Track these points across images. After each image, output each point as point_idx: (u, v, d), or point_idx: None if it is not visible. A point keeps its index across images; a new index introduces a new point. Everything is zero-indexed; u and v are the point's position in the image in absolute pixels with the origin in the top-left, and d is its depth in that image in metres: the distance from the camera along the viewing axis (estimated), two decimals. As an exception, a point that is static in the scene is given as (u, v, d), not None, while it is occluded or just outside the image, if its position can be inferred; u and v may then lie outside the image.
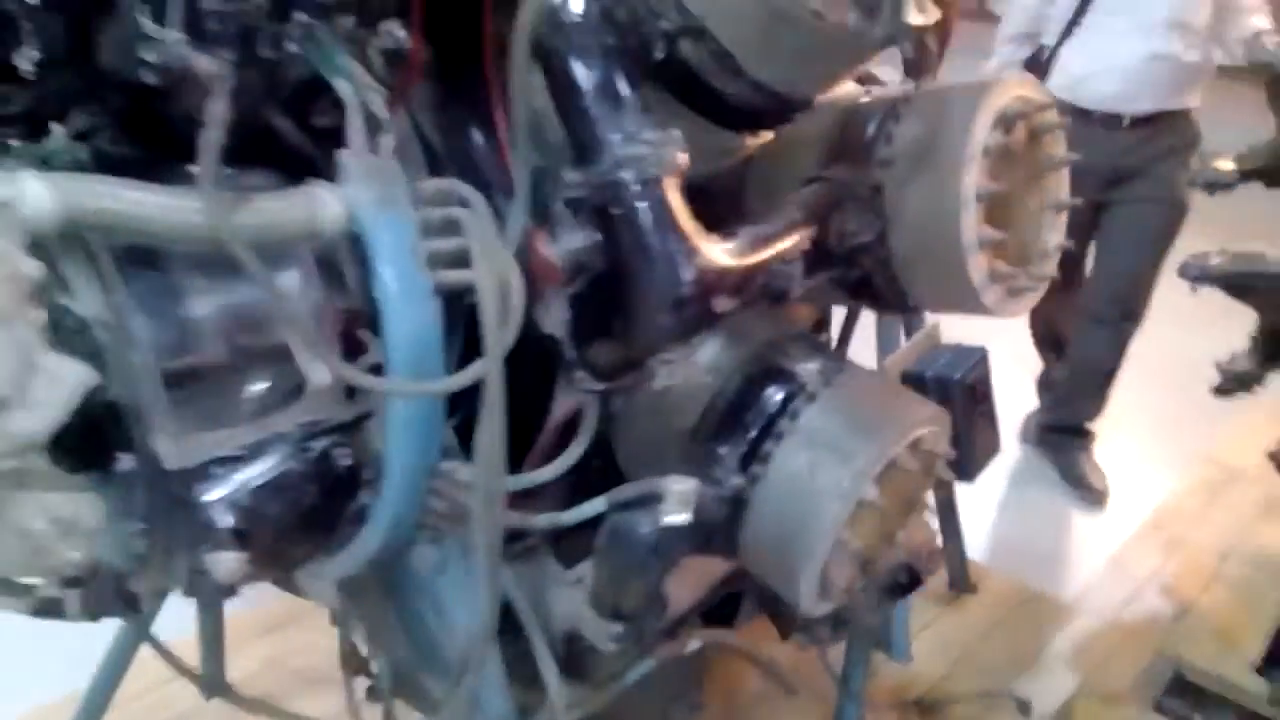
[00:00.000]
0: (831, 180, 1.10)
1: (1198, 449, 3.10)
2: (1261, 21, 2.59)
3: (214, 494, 0.95)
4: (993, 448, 1.51)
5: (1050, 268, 1.20)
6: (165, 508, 0.92)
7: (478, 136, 1.07)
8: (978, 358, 1.47)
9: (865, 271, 1.14)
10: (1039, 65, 2.76)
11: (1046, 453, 3.14)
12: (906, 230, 1.10)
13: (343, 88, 0.95)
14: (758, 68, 0.95)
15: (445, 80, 1.07)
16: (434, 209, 0.97)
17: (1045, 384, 3.21)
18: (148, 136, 0.98)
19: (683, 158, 0.90)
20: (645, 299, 0.95)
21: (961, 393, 1.40)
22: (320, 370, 0.98)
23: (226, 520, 0.95)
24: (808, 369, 1.08)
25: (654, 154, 0.88)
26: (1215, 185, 2.48)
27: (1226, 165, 2.43)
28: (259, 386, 0.98)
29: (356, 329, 1.01)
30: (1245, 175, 2.42)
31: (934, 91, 1.11)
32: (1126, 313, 2.80)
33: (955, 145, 1.05)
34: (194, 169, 0.86)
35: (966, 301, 1.12)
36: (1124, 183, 2.67)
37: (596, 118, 0.91)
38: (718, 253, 0.95)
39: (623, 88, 0.91)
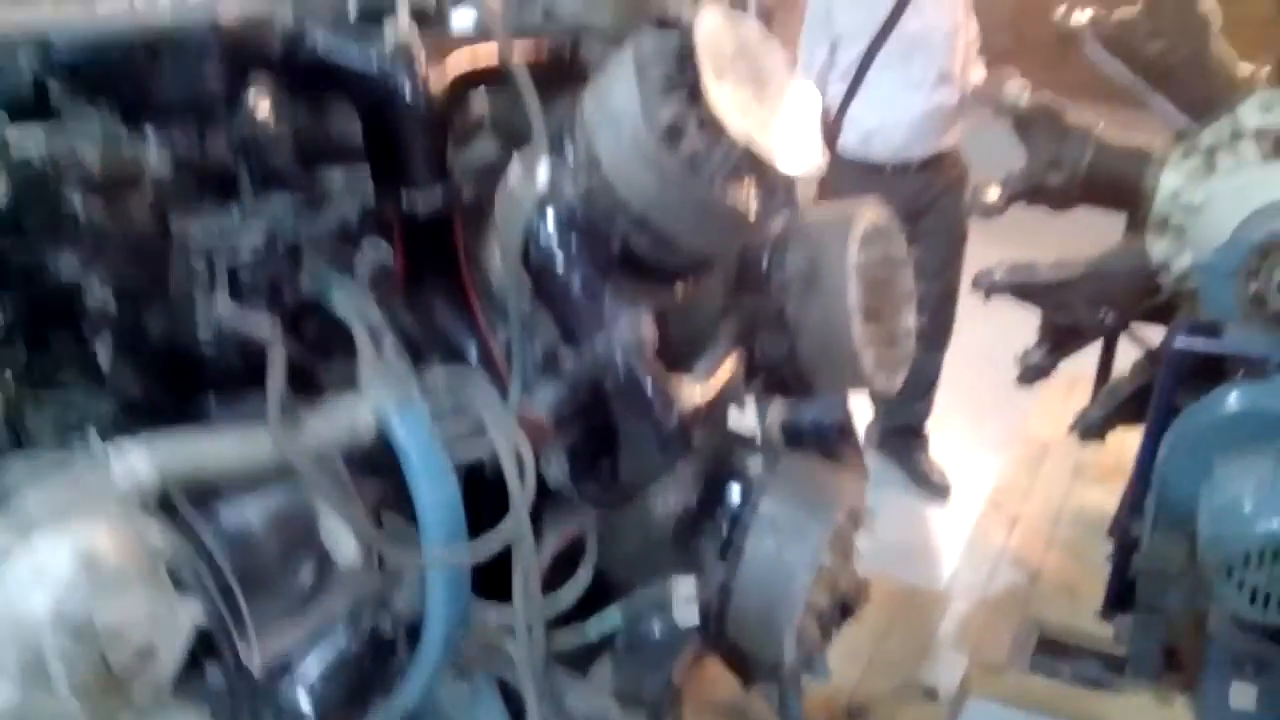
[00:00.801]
0: (744, 309, 1.35)
1: (1014, 430, 3.55)
2: (979, 72, 3.08)
3: (289, 683, 1.09)
4: (864, 470, 1.80)
5: (911, 344, 1.48)
6: (248, 705, 1.06)
7: (455, 324, 1.25)
8: (838, 403, 1.76)
9: (780, 375, 1.39)
10: (824, 126, 3.15)
11: (889, 455, 3.53)
12: (808, 340, 1.35)
13: (348, 312, 1.12)
14: (690, 242, 1.18)
15: (420, 280, 1.25)
16: (444, 395, 1.15)
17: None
18: (175, 382, 1.12)
19: (653, 330, 1.12)
20: (639, 446, 1.16)
21: (835, 433, 1.68)
22: (349, 550, 1.14)
23: (304, 706, 1.09)
24: (754, 464, 1.32)
25: (634, 335, 1.10)
26: (989, 211, 2.92)
27: (994, 193, 2.87)
28: (306, 577, 1.14)
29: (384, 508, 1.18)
30: (1010, 200, 2.86)
31: (808, 224, 1.38)
32: (938, 328, 3.21)
33: (836, 269, 1.32)
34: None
35: (858, 383, 1.39)
36: (916, 220, 3.08)
37: (581, 310, 1.11)
38: (690, 395, 1.17)
39: (596, 282, 1.12)
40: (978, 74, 3.05)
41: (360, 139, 1.19)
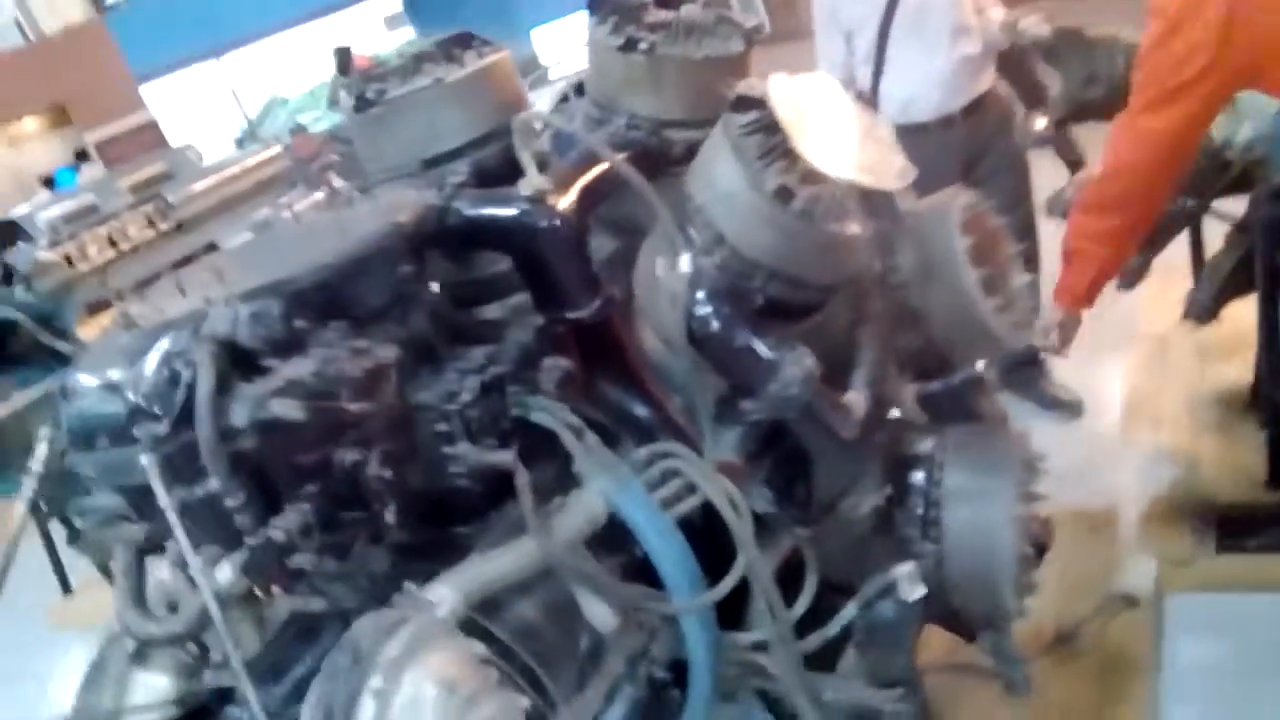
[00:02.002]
0: (874, 313, 1.50)
1: (1125, 334, 3.60)
2: (998, 11, 3.18)
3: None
4: (1005, 414, 1.91)
5: (1027, 299, 1.61)
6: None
7: (632, 401, 1.43)
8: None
9: (922, 363, 1.54)
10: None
11: (1016, 391, 3.60)
12: (940, 326, 1.50)
13: (549, 422, 1.30)
14: (819, 277, 1.34)
15: (594, 373, 1.42)
16: (651, 467, 1.33)
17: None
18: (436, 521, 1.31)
19: (814, 360, 1.28)
20: (829, 463, 1.32)
21: (967, 390, 1.81)
22: (609, 618, 1.32)
23: (616, 755, 1.27)
24: (926, 445, 1.47)
25: (802, 371, 1.26)
26: (1042, 139, 3.02)
27: (1041, 121, 2.97)
28: (583, 649, 1.32)
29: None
30: (1060, 123, 2.96)
31: (910, 224, 1.53)
32: (1026, 258, 3.29)
33: (949, 259, 1.47)
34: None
35: (995, 351, 1.54)
36: (977, 165, 3.19)
37: (749, 363, 1.28)
38: (863, 405, 1.33)
39: (754, 336, 1.28)
40: (996, 12, 3.14)
41: (513, 277, 1.38)
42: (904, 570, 1.34)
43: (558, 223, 1.30)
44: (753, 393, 1.29)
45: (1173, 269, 3.27)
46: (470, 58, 1.47)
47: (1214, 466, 2.78)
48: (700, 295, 1.27)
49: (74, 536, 4.20)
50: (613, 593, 1.24)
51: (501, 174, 1.42)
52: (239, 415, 1.03)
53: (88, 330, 4.04)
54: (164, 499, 1.03)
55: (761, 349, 1.27)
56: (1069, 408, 3.47)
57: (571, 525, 1.25)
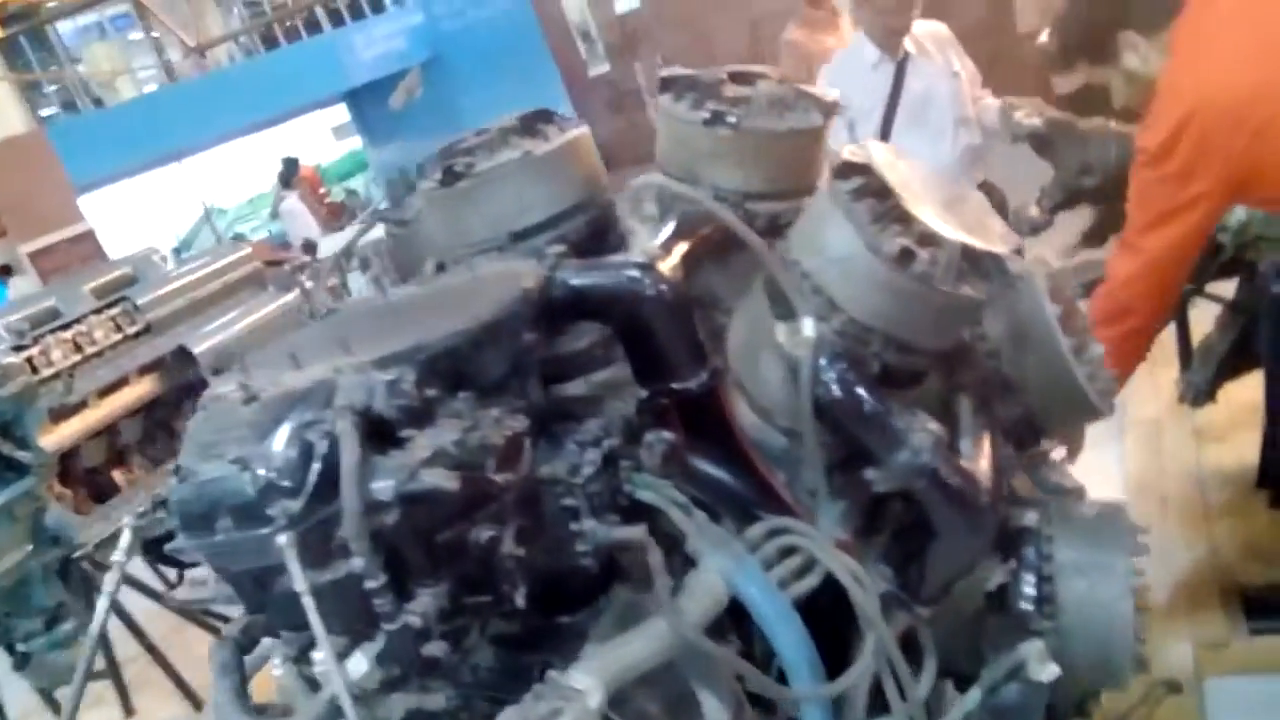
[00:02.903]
0: (971, 383, 1.47)
1: (1115, 421, 3.64)
2: (991, 100, 3.29)
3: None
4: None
5: (1106, 369, 1.61)
6: None
7: (738, 475, 1.37)
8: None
9: (1018, 434, 1.51)
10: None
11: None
12: (1034, 394, 1.48)
13: (656, 500, 1.23)
14: (933, 343, 1.32)
15: (696, 446, 1.37)
16: (766, 544, 1.26)
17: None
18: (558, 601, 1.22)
19: (940, 429, 1.24)
20: (954, 537, 1.28)
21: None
22: (719, 711, 1.24)
23: None
24: (1031, 518, 1.43)
25: (932, 438, 1.22)
26: (1036, 226, 3.10)
27: (1034, 210, 3.05)
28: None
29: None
30: (1053, 211, 3.04)
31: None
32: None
33: (1041, 324, 1.46)
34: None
35: (1089, 419, 1.52)
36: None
37: (877, 431, 1.24)
38: (986, 474, 1.29)
39: (879, 404, 1.25)
40: (990, 101, 3.25)
41: (597, 353, 1.32)
42: (1032, 648, 1.28)
43: (666, 289, 1.26)
44: (878, 462, 1.25)
45: (1160, 354, 3.35)
46: (553, 132, 1.44)
47: (1232, 548, 2.79)
48: (823, 361, 1.23)
49: (21, 663, 3.94)
50: (751, 678, 1.16)
51: (588, 248, 1.39)
52: (384, 489, 0.96)
53: (49, 439, 3.86)
54: (300, 581, 0.94)
55: (889, 416, 1.23)
56: (1071, 495, 3.47)
57: (698, 608, 1.17)
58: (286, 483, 0.96)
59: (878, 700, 1.33)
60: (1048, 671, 1.28)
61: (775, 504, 1.35)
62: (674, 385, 1.30)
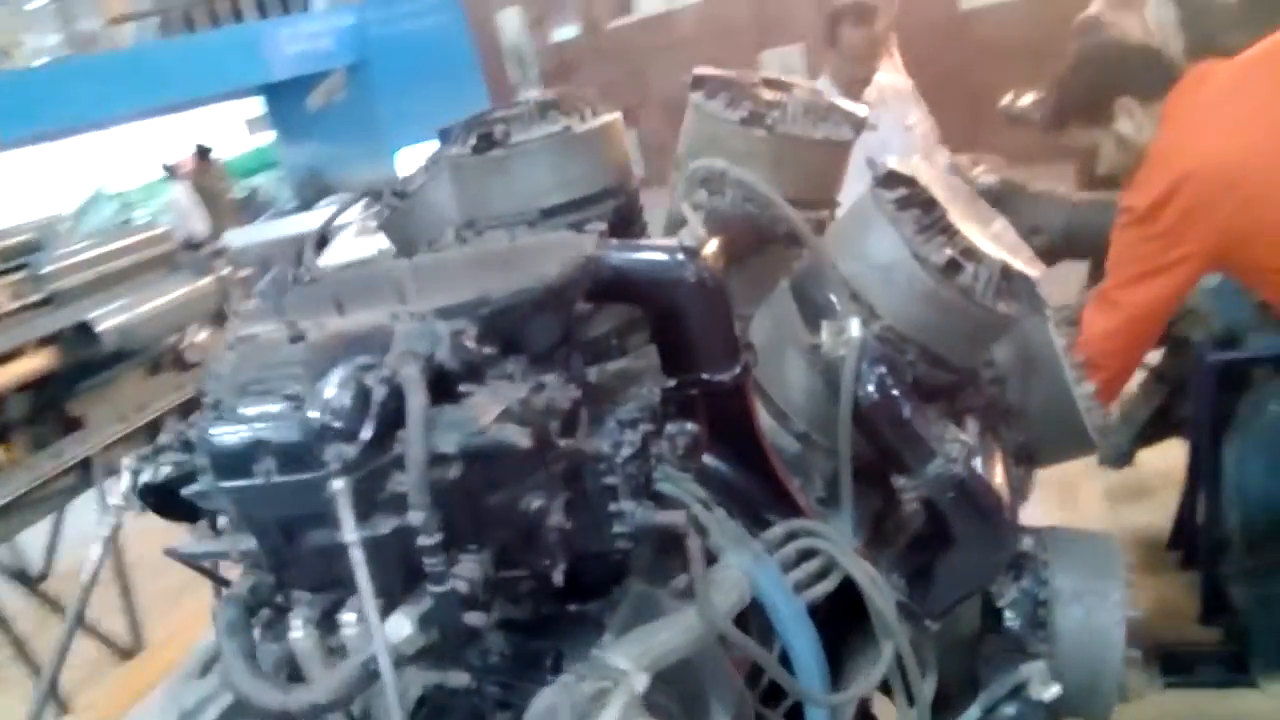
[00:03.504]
0: (976, 408, 1.49)
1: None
2: (944, 154, 3.40)
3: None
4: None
5: (1099, 408, 1.65)
6: None
7: (753, 475, 1.34)
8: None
9: (1016, 460, 1.54)
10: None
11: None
12: (1035, 423, 1.51)
13: (676, 493, 1.20)
14: (964, 358, 1.33)
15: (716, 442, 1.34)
16: (786, 547, 1.24)
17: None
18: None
19: (975, 442, 1.25)
20: (983, 554, 1.28)
21: None
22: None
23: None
24: (1028, 543, 1.45)
25: (965, 449, 1.22)
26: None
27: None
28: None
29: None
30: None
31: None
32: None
33: (1049, 355, 1.49)
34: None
35: (1085, 451, 1.55)
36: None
37: (912, 438, 1.24)
38: (1006, 495, 1.30)
39: (920, 411, 1.24)
40: (942, 155, 3.35)
41: (628, 336, 1.29)
42: (1035, 668, 1.29)
43: (709, 277, 1.24)
44: (907, 470, 1.24)
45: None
46: (589, 112, 1.41)
47: (1145, 606, 2.88)
48: (871, 364, 1.23)
49: None
50: (774, 674, 1.13)
51: (615, 233, 1.36)
52: (449, 440, 0.90)
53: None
54: (350, 531, 0.87)
55: (924, 424, 1.23)
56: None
57: (725, 601, 1.14)
58: (343, 425, 0.89)
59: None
60: (1050, 691, 1.29)
61: (790, 508, 1.34)
62: (705, 376, 1.27)
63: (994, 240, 1.34)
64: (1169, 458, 3.08)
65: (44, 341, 4.01)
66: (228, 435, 0.92)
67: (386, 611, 0.93)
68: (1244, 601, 2.48)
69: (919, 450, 1.23)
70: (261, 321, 1.08)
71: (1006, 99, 3.17)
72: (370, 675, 0.92)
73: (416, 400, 0.89)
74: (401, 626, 0.91)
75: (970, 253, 1.26)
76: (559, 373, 1.08)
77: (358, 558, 0.88)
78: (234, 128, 13.54)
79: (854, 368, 1.21)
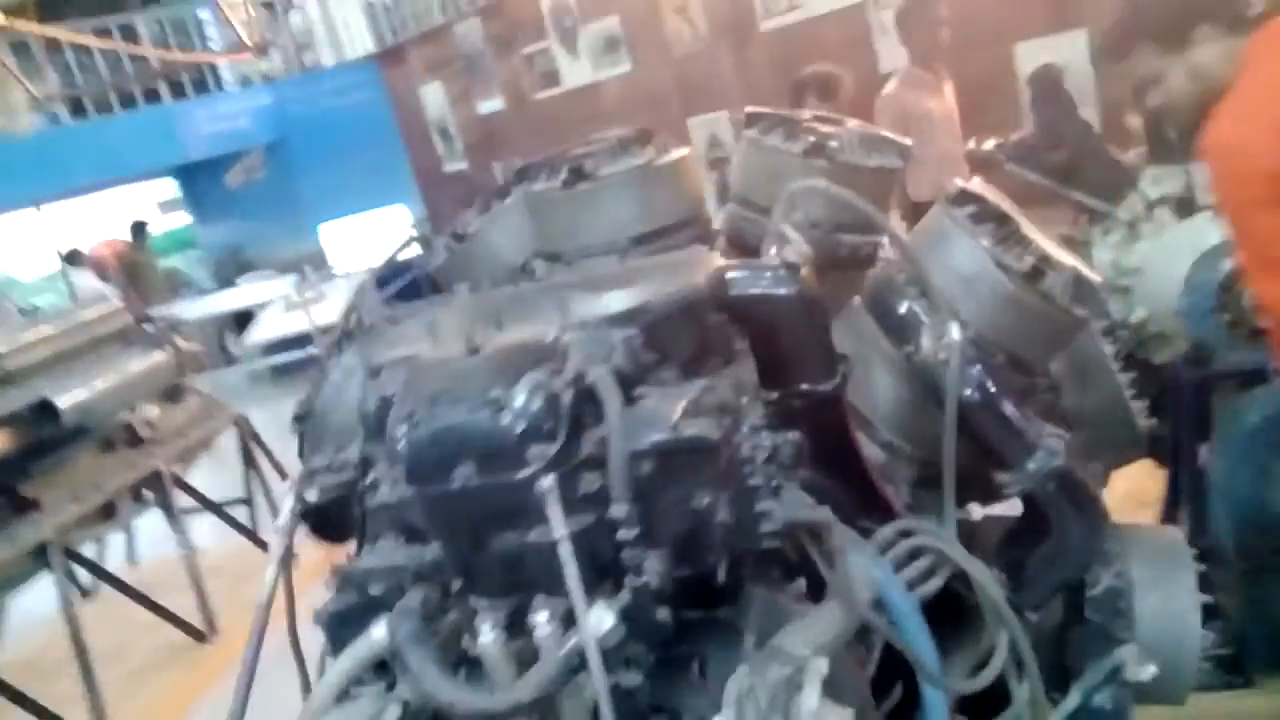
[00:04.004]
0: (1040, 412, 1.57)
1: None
2: None
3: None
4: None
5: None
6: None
7: (853, 484, 1.39)
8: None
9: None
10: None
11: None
12: (1090, 428, 1.59)
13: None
14: (1041, 363, 1.41)
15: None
16: (895, 547, 1.29)
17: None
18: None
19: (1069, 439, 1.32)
20: (1083, 544, 1.34)
21: None
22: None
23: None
24: (1098, 538, 1.52)
25: (1061, 443, 1.30)
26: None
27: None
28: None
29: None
30: None
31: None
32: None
33: (1101, 362, 1.58)
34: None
35: (1135, 457, 1.64)
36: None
37: (1014, 436, 1.30)
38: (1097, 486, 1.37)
39: (1019, 409, 1.31)
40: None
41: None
42: (1129, 650, 1.35)
43: (811, 291, 1.30)
44: (1008, 466, 1.31)
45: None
46: (664, 147, 1.48)
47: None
48: (974, 364, 1.30)
49: None
50: (921, 660, 1.17)
51: None
52: (644, 437, 0.94)
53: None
54: (560, 527, 0.90)
55: (1025, 421, 1.30)
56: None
57: (864, 596, 1.18)
58: (545, 425, 0.92)
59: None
60: (1147, 671, 1.35)
61: (885, 513, 1.39)
62: (807, 387, 1.33)
63: (1058, 248, 1.43)
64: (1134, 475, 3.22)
65: (2, 422, 3.87)
66: (422, 441, 0.94)
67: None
68: (1237, 604, 2.60)
69: (1019, 445, 1.30)
70: (404, 346, 1.10)
71: (970, 145, 3.35)
72: (569, 672, 0.93)
73: (613, 399, 0.93)
74: (605, 619, 0.93)
75: (1047, 260, 1.35)
76: (714, 376, 1.12)
77: (567, 552, 0.90)
78: (147, 210, 13.28)
79: (959, 369, 1.28)
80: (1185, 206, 2.88)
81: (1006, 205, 1.41)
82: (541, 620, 0.96)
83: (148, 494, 4.60)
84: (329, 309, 9.64)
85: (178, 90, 12.47)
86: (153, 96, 12.28)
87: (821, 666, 1.00)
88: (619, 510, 0.92)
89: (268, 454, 5.21)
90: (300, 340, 9.34)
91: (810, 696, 0.94)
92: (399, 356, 1.08)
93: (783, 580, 1.27)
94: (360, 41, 11.91)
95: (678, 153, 1.48)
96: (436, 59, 11.19)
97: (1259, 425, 2.52)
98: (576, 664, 0.93)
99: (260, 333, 10.06)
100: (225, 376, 9.97)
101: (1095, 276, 1.42)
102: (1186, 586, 1.46)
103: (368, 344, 1.22)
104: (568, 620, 0.95)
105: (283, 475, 5.27)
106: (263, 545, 5.03)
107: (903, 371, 1.39)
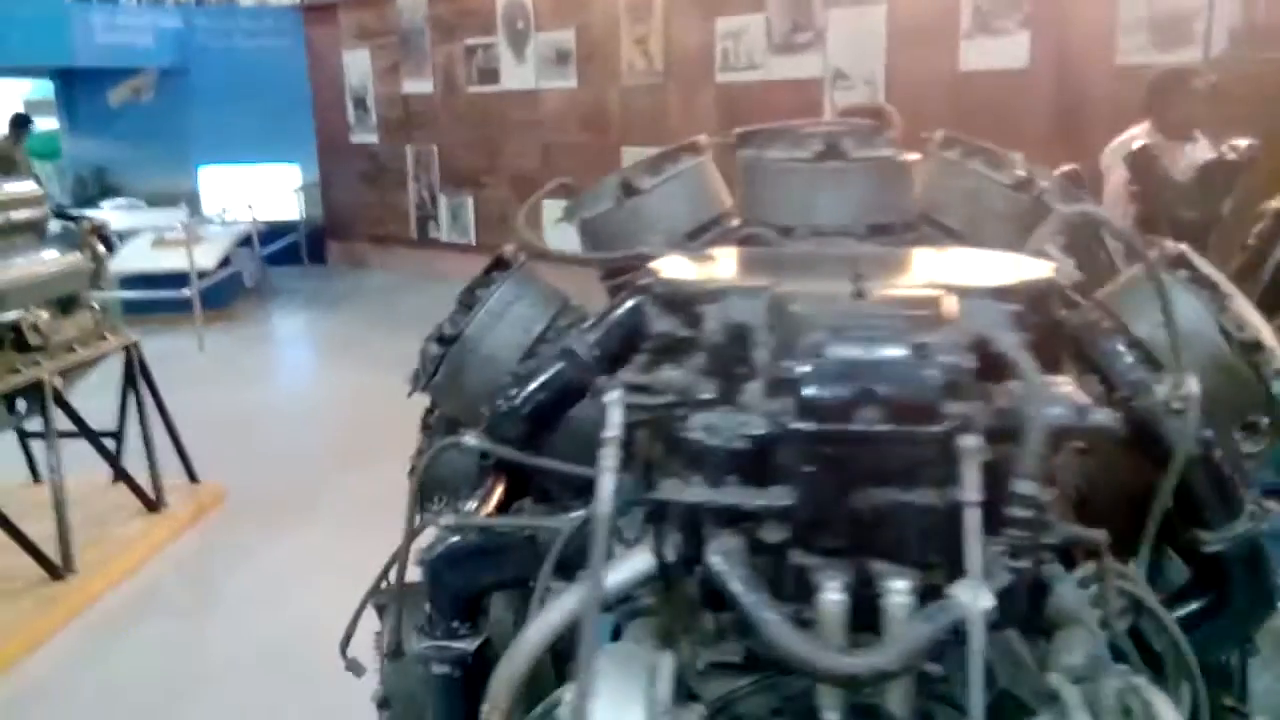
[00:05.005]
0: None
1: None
2: None
3: None
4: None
5: None
6: None
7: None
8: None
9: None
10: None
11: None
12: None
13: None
14: (1227, 431, 1.45)
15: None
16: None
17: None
18: None
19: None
20: (1256, 609, 1.37)
21: None
22: None
23: None
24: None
25: (1261, 509, 1.33)
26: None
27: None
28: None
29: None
30: None
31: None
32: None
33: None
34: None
35: None
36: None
37: (1227, 500, 1.32)
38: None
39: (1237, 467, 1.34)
40: None
41: None
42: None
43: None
44: (1211, 525, 1.33)
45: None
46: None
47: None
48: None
49: None
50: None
51: None
52: (1057, 416, 0.90)
53: None
54: (972, 490, 0.84)
55: (1239, 483, 1.33)
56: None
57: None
58: (964, 383, 0.87)
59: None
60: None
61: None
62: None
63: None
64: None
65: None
66: (832, 376, 0.87)
67: (925, 582, 0.90)
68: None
69: (1231, 507, 1.33)
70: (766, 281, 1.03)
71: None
72: (934, 647, 0.88)
73: (1032, 370, 0.89)
74: (986, 598, 0.88)
75: (1260, 340, 1.40)
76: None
77: (972, 518, 0.85)
78: (9, 105, 12.18)
79: (1193, 421, 1.30)
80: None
81: (1217, 275, 1.46)
82: (899, 588, 0.90)
83: (20, 405, 4.16)
84: (206, 253, 9.08)
85: (80, -11, 11.60)
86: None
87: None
88: (1026, 487, 0.87)
89: (152, 389, 4.80)
90: (166, 280, 8.73)
91: (1166, 709, 0.91)
92: (747, 286, 1.01)
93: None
94: (290, -13, 11.45)
95: (910, 156, 1.47)
96: (369, 27, 10.85)
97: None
98: (942, 640, 0.87)
99: (119, 263, 9.35)
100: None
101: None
102: None
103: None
104: (924, 595, 0.90)
105: (162, 411, 4.87)
106: (133, 484, 4.60)
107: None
